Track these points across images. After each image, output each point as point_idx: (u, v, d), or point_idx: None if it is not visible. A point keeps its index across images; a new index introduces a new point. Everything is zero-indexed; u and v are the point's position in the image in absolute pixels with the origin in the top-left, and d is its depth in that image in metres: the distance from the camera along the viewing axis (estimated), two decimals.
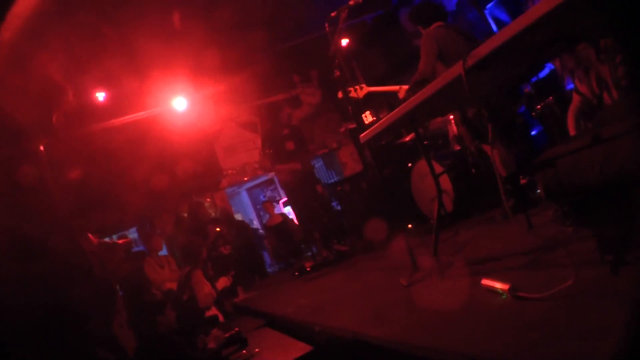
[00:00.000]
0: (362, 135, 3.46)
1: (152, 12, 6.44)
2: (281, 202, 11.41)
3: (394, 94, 4.74)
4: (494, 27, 7.02)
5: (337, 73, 3.91)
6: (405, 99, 3.94)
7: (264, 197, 12.55)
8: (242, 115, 10.07)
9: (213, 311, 4.84)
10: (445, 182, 5.26)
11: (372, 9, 8.37)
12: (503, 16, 6.99)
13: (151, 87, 7.67)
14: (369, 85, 4.71)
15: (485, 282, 2.50)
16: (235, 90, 9.08)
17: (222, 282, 5.64)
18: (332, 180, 9.82)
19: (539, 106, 5.51)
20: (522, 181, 4.21)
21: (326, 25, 3.92)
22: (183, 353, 3.05)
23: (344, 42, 7.88)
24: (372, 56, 9.42)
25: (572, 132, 3.90)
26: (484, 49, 1.94)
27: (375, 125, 3.34)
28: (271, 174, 9.95)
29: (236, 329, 3.77)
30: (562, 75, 3.82)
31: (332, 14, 3.91)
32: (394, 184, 6.41)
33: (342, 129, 8.49)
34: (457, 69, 2.07)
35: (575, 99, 3.70)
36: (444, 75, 2.29)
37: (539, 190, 3.25)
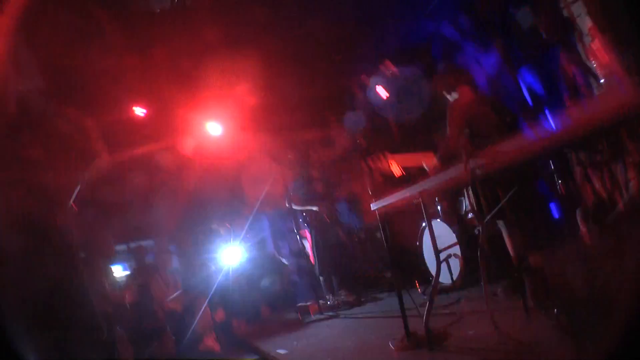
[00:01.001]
0: (372, 204, 3.58)
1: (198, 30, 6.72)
2: (300, 234, 11.48)
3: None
4: (525, 92, 7.08)
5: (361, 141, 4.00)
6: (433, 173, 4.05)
7: (284, 226, 12.64)
8: (272, 146, 10.24)
9: (211, 341, 4.94)
10: (453, 246, 5.30)
11: (411, 62, 8.54)
12: (535, 83, 7.06)
13: (188, 110, 7.94)
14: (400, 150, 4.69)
15: None
16: (269, 120, 9.31)
17: (220, 314, 5.77)
18: (355, 223, 9.92)
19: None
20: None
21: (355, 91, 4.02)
22: None
23: (383, 94, 7.97)
24: (408, 110, 9.53)
25: (581, 225, 3.90)
26: (489, 165, 2.04)
27: (388, 198, 3.47)
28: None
29: None
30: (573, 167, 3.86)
31: (364, 79, 4.02)
32: (408, 238, 6.46)
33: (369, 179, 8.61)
34: (463, 172, 2.18)
35: (585, 196, 3.73)
36: (449, 172, 2.40)
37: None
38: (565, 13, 3.14)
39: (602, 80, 1.86)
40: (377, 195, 4.17)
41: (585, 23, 2.11)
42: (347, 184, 9.37)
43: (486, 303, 2.60)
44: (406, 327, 3.61)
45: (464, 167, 2.29)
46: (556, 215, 4.74)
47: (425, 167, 4.77)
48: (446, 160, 4.00)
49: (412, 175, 5.41)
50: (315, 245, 7.34)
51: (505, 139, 3.68)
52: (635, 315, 2.06)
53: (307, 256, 10.16)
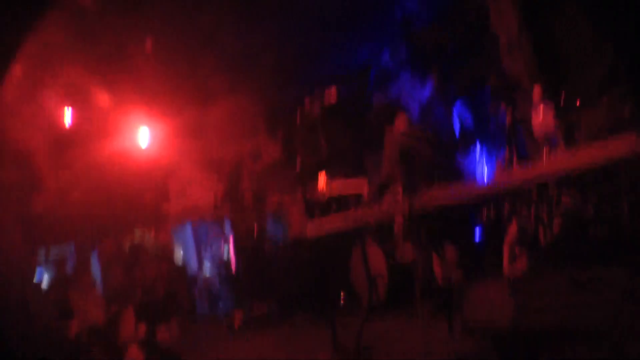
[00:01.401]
0: (309, 228, 3.67)
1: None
2: (222, 243, 11.39)
3: None
4: (457, 125, 7.45)
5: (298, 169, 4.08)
6: (369, 201, 4.20)
7: (207, 234, 12.52)
8: (200, 153, 10.12)
9: (135, 352, 4.83)
10: (382, 268, 5.50)
11: (347, 86, 8.73)
12: (468, 118, 7.45)
13: (117, 110, 7.72)
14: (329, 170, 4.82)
15: None
16: (200, 126, 9.20)
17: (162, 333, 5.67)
18: (278, 234, 9.96)
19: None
20: None
21: (298, 109, 4.09)
22: None
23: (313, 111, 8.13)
24: (339, 130, 9.72)
25: (505, 259, 4.17)
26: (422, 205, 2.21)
27: (324, 227, 3.57)
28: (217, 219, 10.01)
29: None
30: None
31: (306, 103, 4.10)
32: (337, 255, 6.59)
33: (299, 195, 8.70)
34: (398, 218, 2.33)
35: (513, 228, 4.00)
36: (391, 212, 2.54)
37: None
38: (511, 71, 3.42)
39: (536, 137, 2.07)
40: (311, 215, 4.30)
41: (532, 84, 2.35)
42: (275, 196, 9.44)
43: (420, 319, 2.76)
44: (335, 341, 3.72)
45: (398, 201, 2.43)
46: (481, 246, 5.08)
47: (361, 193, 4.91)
48: (383, 188, 4.18)
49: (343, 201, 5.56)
50: (241, 258, 7.34)
51: (438, 176, 3.94)
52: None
53: (230, 265, 10.13)
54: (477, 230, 4.76)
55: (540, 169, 1.71)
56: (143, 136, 8.27)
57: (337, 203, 6.55)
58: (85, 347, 4.68)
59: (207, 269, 11.95)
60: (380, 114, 4.80)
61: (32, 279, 6.74)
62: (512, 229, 4.07)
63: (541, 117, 2.01)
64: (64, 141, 7.09)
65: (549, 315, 2.04)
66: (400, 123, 4.62)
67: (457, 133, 7.15)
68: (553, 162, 1.76)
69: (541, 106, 2.03)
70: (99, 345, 4.77)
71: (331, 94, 4.12)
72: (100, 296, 6.56)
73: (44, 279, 7.28)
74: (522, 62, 5.29)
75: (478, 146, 6.91)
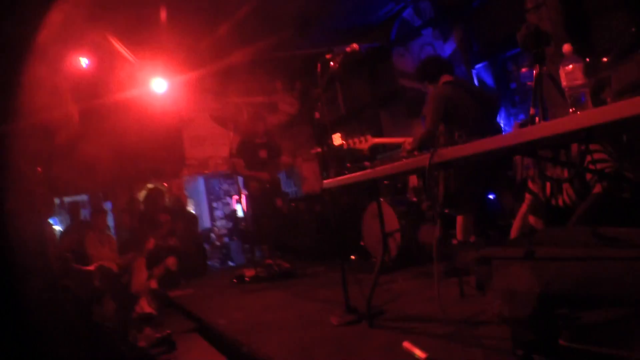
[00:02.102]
0: (325, 181, 3.62)
1: None
2: (234, 197, 11.49)
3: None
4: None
5: (317, 115, 4.03)
6: (409, 153, 4.14)
7: (220, 188, 12.63)
8: (217, 108, 10.10)
9: (146, 304, 4.89)
10: (395, 227, 5.49)
11: (368, 40, 8.57)
12: (488, 79, 7.32)
13: (132, 63, 7.64)
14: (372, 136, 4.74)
15: (407, 345, 2.72)
16: (216, 82, 9.14)
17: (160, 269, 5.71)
18: (290, 190, 10.00)
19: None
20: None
21: (319, 65, 4.00)
22: (112, 345, 3.14)
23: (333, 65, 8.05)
24: (357, 85, 9.63)
25: (514, 230, 4.12)
26: (451, 153, 2.15)
27: (340, 178, 3.52)
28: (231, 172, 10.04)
29: (168, 331, 3.87)
30: (519, 168, 4.07)
31: (327, 56, 4.00)
32: (348, 214, 6.60)
33: (313, 151, 8.65)
34: (424, 160, 2.28)
35: (527, 198, 3.94)
36: (410, 162, 2.49)
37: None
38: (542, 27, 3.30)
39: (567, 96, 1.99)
40: (329, 172, 4.25)
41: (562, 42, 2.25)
42: (290, 150, 9.43)
43: (436, 282, 2.73)
44: (347, 301, 3.71)
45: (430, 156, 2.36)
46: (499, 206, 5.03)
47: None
48: (426, 144, 4.12)
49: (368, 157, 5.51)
50: (254, 212, 7.36)
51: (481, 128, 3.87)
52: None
53: (240, 220, 10.21)
54: (498, 191, 4.70)
55: (568, 124, 1.64)
56: (160, 88, 8.20)
57: (352, 159, 6.53)
58: (98, 292, 4.75)
59: (220, 223, 12.09)
60: (427, 73, 4.64)
61: (50, 223, 6.86)
62: (527, 196, 4.01)
63: (570, 73, 1.92)
64: (81, 93, 7.03)
65: (568, 266, 1.98)
66: (446, 80, 4.50)
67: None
68: (581, 118, 1.67)
69: (570, 63, 1.94)
70: (111, 291, 4.83)
71: (352, 49, 3.98)
72: (114, 243, 6.62)
73: (61, 225, 7.41)
74: (548, 20, 5.10)
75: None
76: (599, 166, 3.15)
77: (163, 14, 6.77)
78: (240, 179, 7.43)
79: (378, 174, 2.93)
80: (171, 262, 6.25)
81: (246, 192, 7.23)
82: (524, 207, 3.99)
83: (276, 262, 6.68)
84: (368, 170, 3.05)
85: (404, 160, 2.64)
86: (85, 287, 4.59)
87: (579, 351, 2.13)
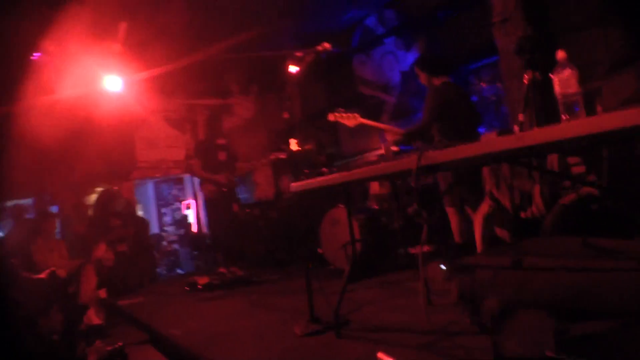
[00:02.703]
0: (293, 184, 3.49)
1: None
2: (184, 203, 11.21)
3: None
4: None
5: (286, 115, 3.92)
6: (397, 143, 4.05)
7: (169, 194, 12.31)
8: (171, 110, 9.82)
9: (94, 315, 4.60)
10: (355, 235, 5.39)
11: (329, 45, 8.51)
12: None
13: (85, 56, 7.30)
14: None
15: (381, 356, 2.61)
16: (170, 83, 8.87)
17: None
18: (241, 196, 9.80)
19: None
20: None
21: (288, 63, 3.91)
22: None
23: (293, 69, 8.00)
24: (315, 90, 9.55)
25: (477, 234, 4.10)
26: (440, 156, 2.07)
27: (310, 181, 3.40)
28: (183, 175, 9.83)
29: (120, 343, 3.63)
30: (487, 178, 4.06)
31: (298, 54, 3.91)
32: (305, 221, 6.48)
33: (272, 156, 8.50)
34: (410, 163, 2.18)
35: (487, 203, 3.91)
36: (396, 164, 2.39)
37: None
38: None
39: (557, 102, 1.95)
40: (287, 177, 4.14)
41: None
42: (245, 155, 9.24)
43: (420, 287, 2.64)
44: (312, 310, 3.57)
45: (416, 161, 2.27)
46: None
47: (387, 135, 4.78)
48: (416, 136, 4.05)
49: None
50: (209, 217, 7.15)
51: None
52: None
53: (190, 226, 9.94)
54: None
55: (558, 133, 1.58)
56: (114, 86, 7.84)
57: (309, 165, 6.42)
58: (45, 302, 4.42)
59: (169, 229, 11.73)
60: (429, 68, 4.62)
61: None
62: (487, 200, 3.99)
63: (564, 81, 1.88)
64: (30, 88, 6.65)
65: (559, 275, 1.92)
66: (445, 79, 4.49)
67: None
68: (571, 126, 1.62)
69: (564, 70, 1.91)
70: (59, 302, 4.52)
71: (323, 48, 3.91)
72: (64, 248, 6.24)
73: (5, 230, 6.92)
74: (513, 35, 5.13)
75: None
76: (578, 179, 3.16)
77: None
78: (194, 183, 7.19)
79: (357, 176, 2.80)
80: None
81: (201, 196, 7.01)
82: (484, 207, 3.94)
83: (230, 269, 6.48)
84: (345, 172, 2.92)
85: (391, 161, 2.53)
86: (33, 298, 4.26)
87: None
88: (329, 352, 3.01)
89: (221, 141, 6.80)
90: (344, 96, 9.03)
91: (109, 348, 3.51)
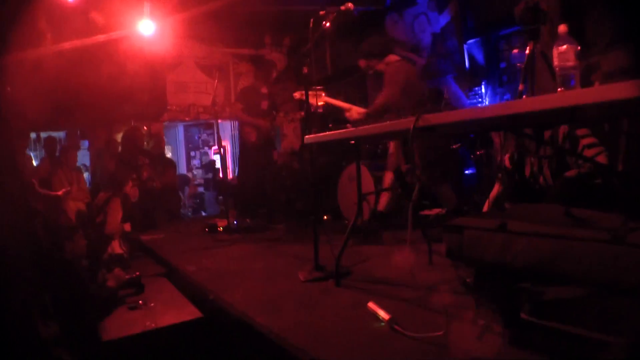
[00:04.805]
0: (307, 137, 3.61)
1: None
2: (214, 148, 11.41)
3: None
4: (467, 62, 7.31)
5: (306, 70, 3.99)
6: (357, 122, 4.14)
7: (198, 138, 12.57)
8: (203, 56, 9.94)
9: (118, 245, 4.87)
10: (370, 191, 5.52)
11: (363, 3, 8.45)
12: (479, 56, 7.30)
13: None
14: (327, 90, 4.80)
15: (371, 305, 2.78)
16: (204, 29, 8.96)
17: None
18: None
19: (479, 152, 5.88)
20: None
21: (311, 20, 3.95)
22: (81, 283, 3.15)
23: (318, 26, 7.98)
24: (346, 47, 9.51)
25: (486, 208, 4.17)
26: (435, 118, 2.17)
27: (323, 135, 3.52)
28: (212, 120, 9.99)
29: (137, 272, 3.89)
30: (499, 150, 4.09)
31: (321, 12, 3.95)
32: (326, 174, 6.61)
33: (298, 115, 8.56)
34: (408, 123, 2.29)
35: (500, 181, 3.96)
36: (395, 123, 2.50)
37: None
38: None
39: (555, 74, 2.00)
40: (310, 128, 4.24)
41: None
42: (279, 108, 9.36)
43: (408, 246, 2.78)
44: (316, 258, 3.75)
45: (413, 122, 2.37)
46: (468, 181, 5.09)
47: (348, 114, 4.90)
48: (379, 115, 4.13)
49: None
50: (243, 162, 7.31)
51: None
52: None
53: (217, 171, 10.18)
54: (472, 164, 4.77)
55: (554, 102, 1.65)
56: (147, 30, 7.98)
57: (334, 120, 6.52)
58: (70, 230, 4.71)
59: (196, 172, 12.05)
60: (375, 48, 4.70)
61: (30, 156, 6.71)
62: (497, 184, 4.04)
63: (563, 54, 1.92)
64: (64, 28, 6.81)
65: (538, 241, 2.02)
66: (399, 58, 4.56)
67: (466, 67, 7.03)
68: (568, 96, 1.69)
69: (565, 44, 1.94)
70: (83, 228, 4.80)
71: (346, 8, 3.94)
72: (83, 181, 6.53)
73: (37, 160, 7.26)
74: (544, 3, 5.04)
75: (484, 84, 6.83)
76: (590, 150, 3.20)
77: None
78: (226, 129, 7.35)
79: (359, 133, 2.93)
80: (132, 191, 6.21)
81: (236, 141, 7.19)
82: (496, 189, 4.03)
83: (251, 215, 6.70)
84: (349, 129, 3.05)
85: (389, 121, 2.65)
86: (53, 212, 4.54)
87: (538, 325, 2.21)
88: (325, 297, 3.20)
89: (264, 90, 6.95)
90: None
91: (127, 277, 3.78)
